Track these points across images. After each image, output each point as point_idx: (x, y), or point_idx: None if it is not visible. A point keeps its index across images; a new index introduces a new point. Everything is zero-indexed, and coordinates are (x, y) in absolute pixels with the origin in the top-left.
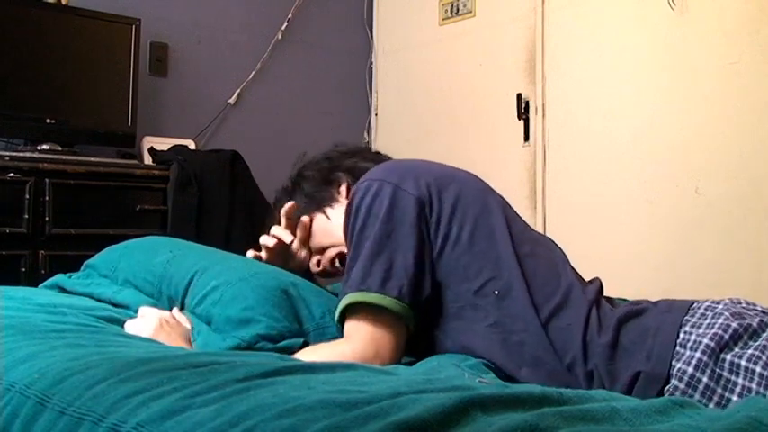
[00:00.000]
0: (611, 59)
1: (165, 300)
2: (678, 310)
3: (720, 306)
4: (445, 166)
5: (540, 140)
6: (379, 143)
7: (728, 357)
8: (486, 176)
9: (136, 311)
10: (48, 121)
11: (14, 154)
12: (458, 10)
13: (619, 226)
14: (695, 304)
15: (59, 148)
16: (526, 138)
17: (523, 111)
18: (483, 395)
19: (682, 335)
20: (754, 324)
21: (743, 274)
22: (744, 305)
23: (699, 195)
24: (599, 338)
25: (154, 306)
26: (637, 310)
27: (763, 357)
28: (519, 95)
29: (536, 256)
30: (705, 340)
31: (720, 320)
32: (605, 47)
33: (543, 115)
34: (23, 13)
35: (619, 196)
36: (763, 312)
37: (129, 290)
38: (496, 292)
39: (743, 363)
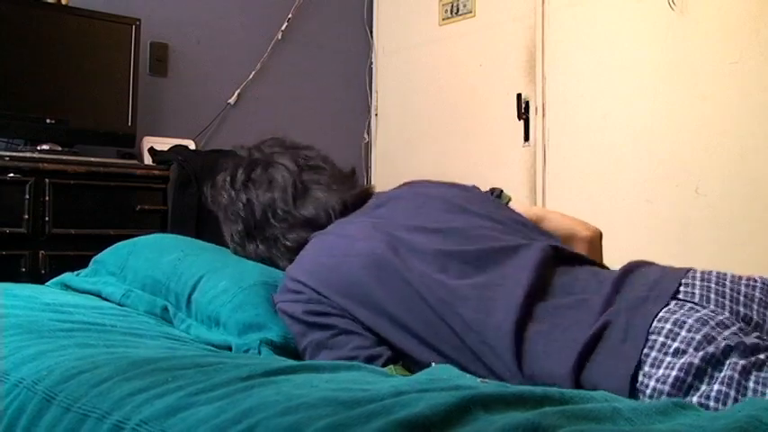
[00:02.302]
0: (611, 59)
1: (172, 296)
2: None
3: (690, 321)
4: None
5: (540, 140)
6: (379, 143)
7: (695, 400)
8: (486, 176)
9: (143, 313)
10: (48, 121)
11: (14, 154)
12: (458, 10)
13: (618, 226)
14: (661, 313)
15: (59, 148)
16: (526, 138)
17: (523, 111)
18: (485, 394)
19: (640, 377)
20: (718, 352)
21: (743, 273)
22: (726, 317)
23: (699, 195)
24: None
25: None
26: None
27: (732, 393)
28: (519, 95)
29: (472, 284)
30: (667, 388)
31: (682, 360)
32: (605, 47)
33: (543, 115)
34: (23, 13)
35: (618, 196)
36: (746, 306)
37: (137, 292)
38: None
39: (710, 404)
